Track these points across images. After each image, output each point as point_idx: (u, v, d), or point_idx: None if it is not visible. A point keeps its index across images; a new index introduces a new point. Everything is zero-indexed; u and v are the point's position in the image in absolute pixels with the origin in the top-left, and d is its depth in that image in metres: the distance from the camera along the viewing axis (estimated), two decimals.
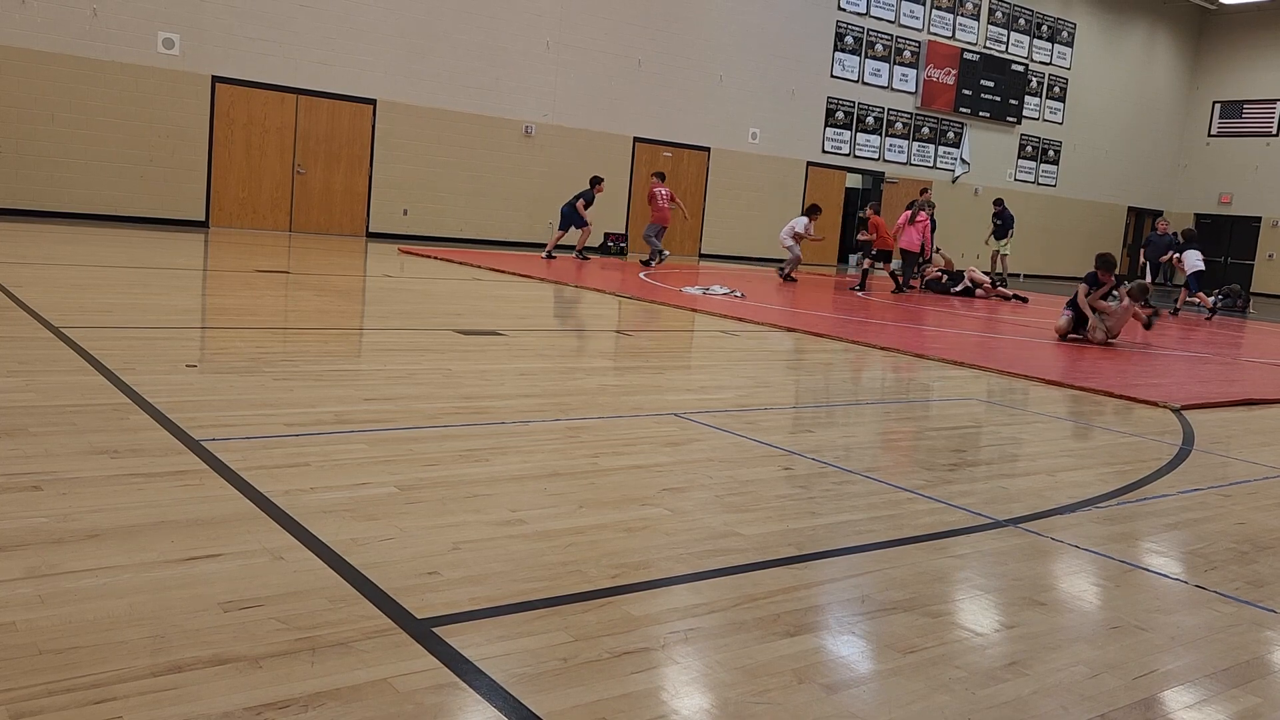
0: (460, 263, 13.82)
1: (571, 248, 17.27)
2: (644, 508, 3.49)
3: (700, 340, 8.69)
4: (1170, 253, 17.53)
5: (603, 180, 17.03)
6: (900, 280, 16.20)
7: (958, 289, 16.48)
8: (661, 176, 17.24)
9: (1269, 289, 28.10)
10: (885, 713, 2.19)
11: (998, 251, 20.28)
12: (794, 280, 16.32)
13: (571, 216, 16.74)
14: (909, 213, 16.39)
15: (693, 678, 2.28)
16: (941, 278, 16.75)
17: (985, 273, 17.66)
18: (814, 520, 3.54)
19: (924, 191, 18.87)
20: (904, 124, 24.19)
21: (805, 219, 16.84)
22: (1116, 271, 10.69)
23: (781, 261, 17.08)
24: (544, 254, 16.51)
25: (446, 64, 17.49)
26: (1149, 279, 17.08)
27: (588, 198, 16.70)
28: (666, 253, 17.30)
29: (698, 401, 5.62)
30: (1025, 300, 16.21)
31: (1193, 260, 16.64)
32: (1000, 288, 16.77)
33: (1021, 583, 3.10)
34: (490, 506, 3.34)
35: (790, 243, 16.61)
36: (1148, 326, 11.30)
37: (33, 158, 14.34)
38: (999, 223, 20.20)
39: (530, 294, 10.83)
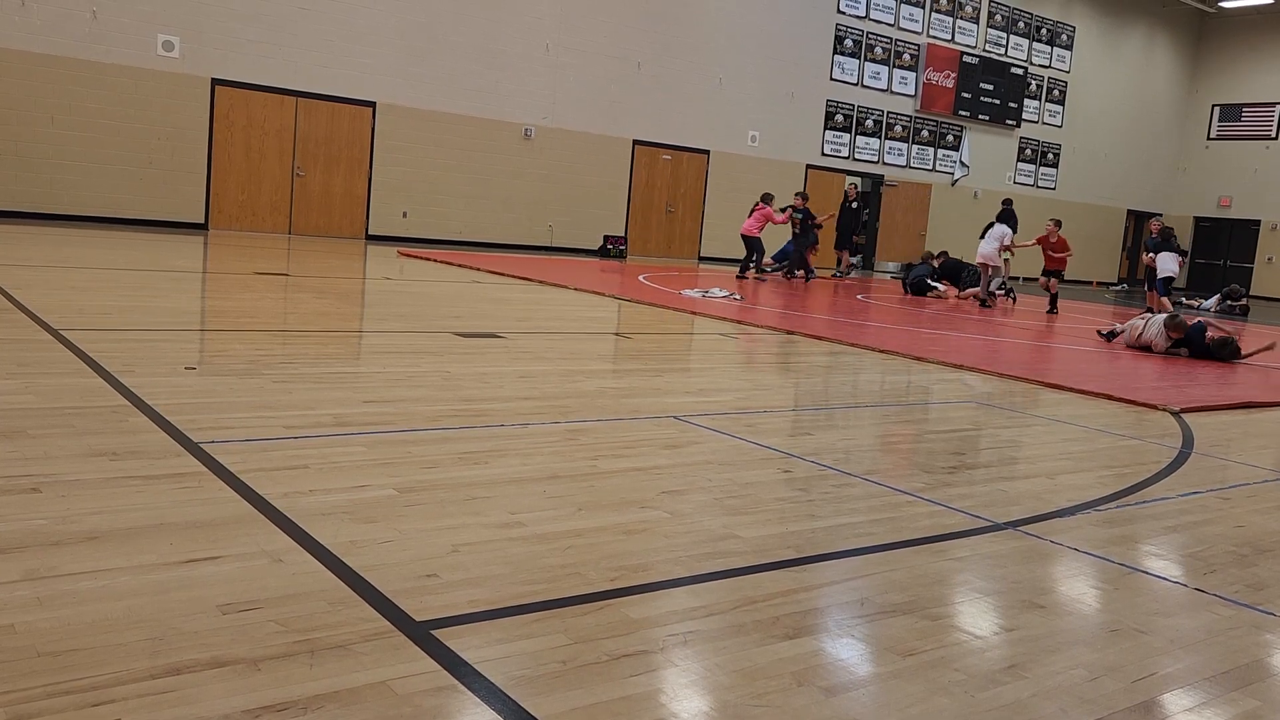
0: (460, 265, 13.82)
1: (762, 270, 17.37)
2: (643, 510, 3.49)
3: (699, 343, 8.69)
4: (1148, 254, 16.57)
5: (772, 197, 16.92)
6: (747, 268, 16.26)
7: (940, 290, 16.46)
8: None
9: (1268, 292, 28.10)
10: (884, 716, 2.19)
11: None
12: (991, 305, 15.09)
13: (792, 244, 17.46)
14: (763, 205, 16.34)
15: (692, 680, 2.28)
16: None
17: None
18: (813, 523, 3.54)
19: (854, 186, 19.18)
20: (903, 127, 24.21)
21: (1007, 226, 15.31)
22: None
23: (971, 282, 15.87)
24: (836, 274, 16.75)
25: (446, 67, 17.50)
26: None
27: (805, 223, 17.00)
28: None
29: (697, 404, 5.62)
30: (1013, 300, 16.30)
31: (1165, 263, 15.70)
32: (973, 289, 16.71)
33: (1021, 585, 3.10)
34: (489, 509, 3.34)
35: (996, 258, 15.22)
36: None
37: (32, 160, 14.35)
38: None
39: (529, 296, 10.83)
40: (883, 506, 3.83)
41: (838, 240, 20.06)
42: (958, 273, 16.80)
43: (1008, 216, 15.39)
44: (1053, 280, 15.35)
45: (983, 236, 15.84)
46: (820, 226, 17.68)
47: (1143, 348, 10.32)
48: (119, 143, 14.95)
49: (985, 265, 15.41)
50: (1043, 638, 2.70)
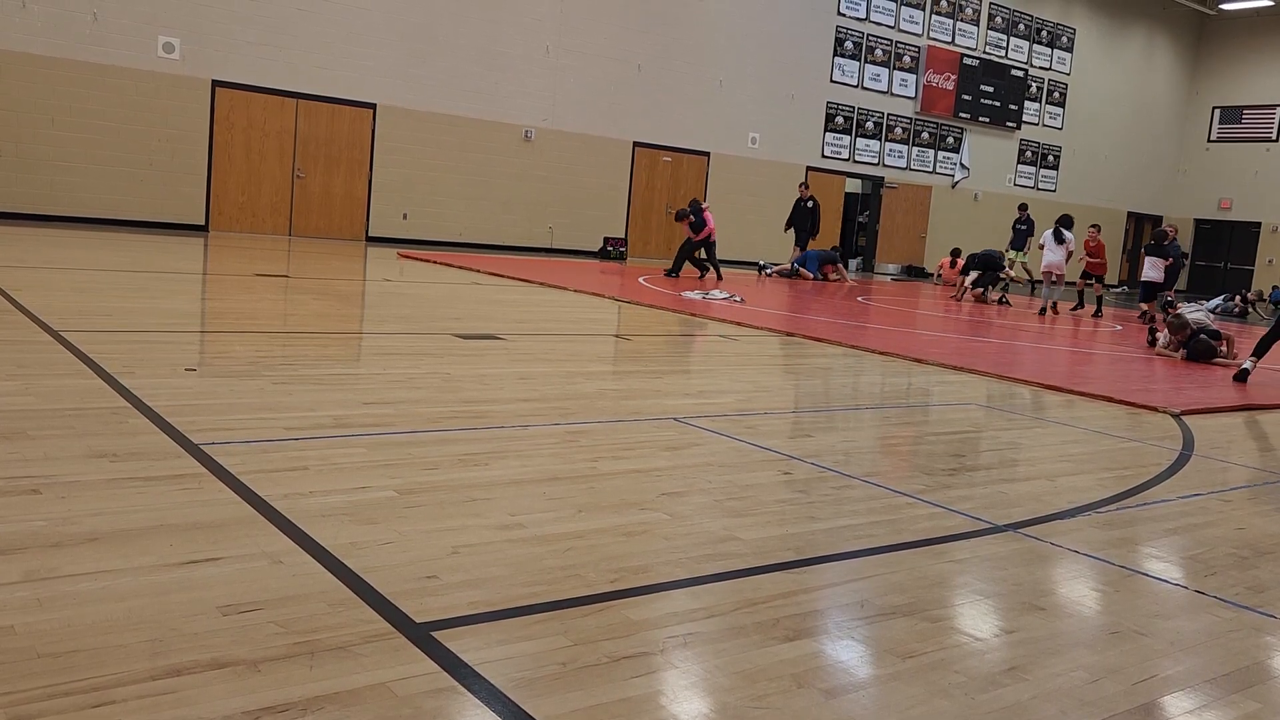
0: (460, 267, 13.82)
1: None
2: (643, 512, 3.49)
3: (699, 345, 8.69)
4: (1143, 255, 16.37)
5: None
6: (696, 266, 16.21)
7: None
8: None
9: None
10: (884, 718, 2.19)
11: (1013, 260, 20.17)
12: (1057, 312, 15.23)
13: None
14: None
15: (691, 682, 2.28)
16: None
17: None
18: (813, 525, 3.54)
19: (804, 185, 19.48)
20: (904, 129, 24.22)
21: (1071, 235, 15.33)
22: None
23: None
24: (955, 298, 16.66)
25: (446, 68, 17.51)
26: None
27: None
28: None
29: (697, 406, 5.61)
30: (1009, 304, 16.48)
31: (1147, 268, 15.31)
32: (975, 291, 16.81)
33: (1021, 588, 3.09)
34: (489, 511, 3.34)
35: (1063, 267, 15.20)
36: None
37: (33, 161, 14.35)
38: (1022, 228, 20.00)
39: (529, 298, 10.83)
40: (883, 508, 3.82)
41: (797, 239, 19.88)
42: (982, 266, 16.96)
43: (1069, 223, 15.30)
44: (1096, 284, 16.23)
45: (1029, 244, 16.14)
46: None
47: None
48: (119, 144, 14.95)
49: (1050, 273, 15.40)
50: (1043, 640, 2.70)
